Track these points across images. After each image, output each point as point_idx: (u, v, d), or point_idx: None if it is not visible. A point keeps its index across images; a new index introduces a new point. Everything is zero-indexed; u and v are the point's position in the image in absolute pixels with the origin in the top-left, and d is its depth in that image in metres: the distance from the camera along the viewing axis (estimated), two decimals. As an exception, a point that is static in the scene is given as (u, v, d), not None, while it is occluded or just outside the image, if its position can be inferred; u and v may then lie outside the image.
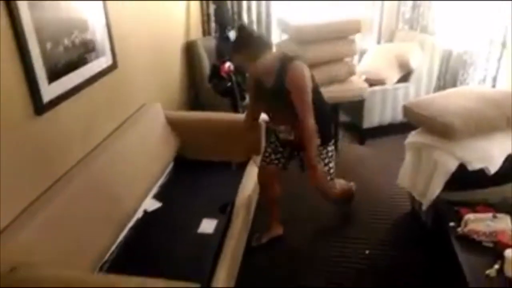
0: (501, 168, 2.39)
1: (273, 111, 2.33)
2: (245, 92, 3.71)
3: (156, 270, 1.76)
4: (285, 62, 2.12)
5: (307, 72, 2.13)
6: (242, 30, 2.22)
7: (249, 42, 2.09)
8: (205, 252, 2.06)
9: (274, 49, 2.19)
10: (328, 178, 2.35)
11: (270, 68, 2.13)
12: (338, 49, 3.63)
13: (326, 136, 2.32)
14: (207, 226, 2.27)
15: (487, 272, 1.87)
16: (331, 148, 2.36)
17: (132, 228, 2.26)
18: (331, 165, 2.36)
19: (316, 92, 2.20)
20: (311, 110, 2.12)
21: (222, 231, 2.20)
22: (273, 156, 2.46)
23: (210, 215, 2.32)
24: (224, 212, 2.32)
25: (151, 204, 2.48)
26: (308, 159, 2.21)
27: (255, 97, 2.39)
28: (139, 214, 2.36)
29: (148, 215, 2.39)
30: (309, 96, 2.12)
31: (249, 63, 2.11)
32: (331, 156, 2.36)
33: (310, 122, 2.12)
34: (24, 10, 1.69)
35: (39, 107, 1.82)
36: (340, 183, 2.63)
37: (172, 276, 1.58)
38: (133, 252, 2.11)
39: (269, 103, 2.30)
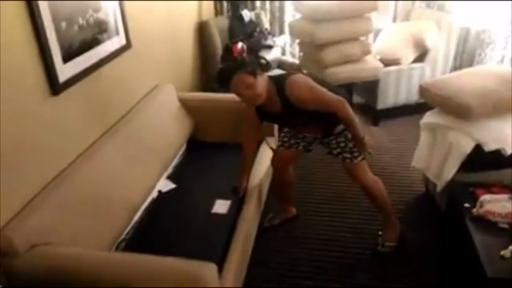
0: (518, 149, 2.36)
1: (293, 128, 2.34)
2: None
3: (170, 250, 1.79)
4: (280, 85, 2.02)
5: (301, 78, 2.06)
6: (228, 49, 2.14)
7: (241, 62, 2.05)
8: (218, 233, 2.09)
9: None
10: (360, 158, 2.23)
11: (271, 99, 2.03)
12: (353, 28, 3.57)
13: None
14: (221, 206, 2.29)
15: (502, 253, 1.86)
16: None
17: (147, 208, 2.29)
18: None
19: (324, 81, 2.16)
20: (334, 102, 2.04)
21: (236, 212, 2.21)
22: (293, 141, 2.39)
23: (223, 196, 2.34)
24: (236, 194, 2.33)
25: (165, 184, 2.50)
26: (355, 137, 2.14)
27: (258, 127, 2.30)
28: (153, 194, 2.38)
29: (162, 196, 2.42)
30: (324, 94, 2.04)
31: (251, 82, 1.94)
32: None
33: (344, 112, 2.05)
34: (38, -12, 1.69)
35: (55, 87, 1.83)
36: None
37: (185, 255, 1.60)
38: (148, 232, 2.15)
39: (288, 124, 2.31)
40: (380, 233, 2.49)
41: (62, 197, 1.75)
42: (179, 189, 2.48)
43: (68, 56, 1.91)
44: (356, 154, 2.23)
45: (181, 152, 2.82)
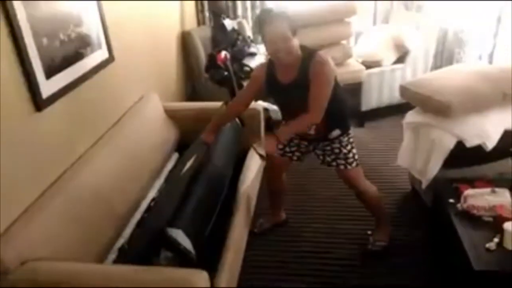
0: (498, 143, 2.41)
1: (291, 108, 2.18)
2: (242, 80, 3.72)
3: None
4: (310, 54, 2.01)
5: (332, 63, 2.02)
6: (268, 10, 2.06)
7: (285, 15, 1.96)
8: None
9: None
10: (354, 164, 2.26)
11: (295, 60, 2.00)
12: (333, 32, 3.64)
13: (347, 125, 2.25)
14: None
15: (487, 245, 1.90)
16: (351, 134, 2.27)
17: (142, 217, 2.28)
18: (354, 151, 2.27)
19: (336, 81, 2.11)
20: (324, 107, 2.02)
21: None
22: (287, 149, 2.37)
23: None
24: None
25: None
26: (283, 131, 2.11)
27: (256, 90, 2.25)
28: (145, 204, 2.38)
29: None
30: (329, 92, 2.02)
31: (288, 36, 1.92)
32: (352, 141, 2.27)
33: (313, 118, 2.04)
34: (18, 6, 1.70)
35: (39, 103, 1.83)
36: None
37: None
38: None
39: (287, 101, 2.18)
40: (369, 232, 2.53)
41: (51, 211, 1.74)
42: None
43: (50, 72, 1.91)
44: (350, 160, 2.25)
45: (173, 160, 2.83)
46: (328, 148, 2.26)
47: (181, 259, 1.70)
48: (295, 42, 1.96)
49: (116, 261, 1.97)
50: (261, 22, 1.97)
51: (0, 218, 1.60)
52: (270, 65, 2.13)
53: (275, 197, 2.67)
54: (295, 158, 2.40)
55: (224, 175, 2.36)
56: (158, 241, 1.72)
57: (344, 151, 2.23)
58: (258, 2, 4.31)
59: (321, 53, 2.02)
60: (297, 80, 2.03)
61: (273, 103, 3.20)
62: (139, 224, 2.22)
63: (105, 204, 2.04)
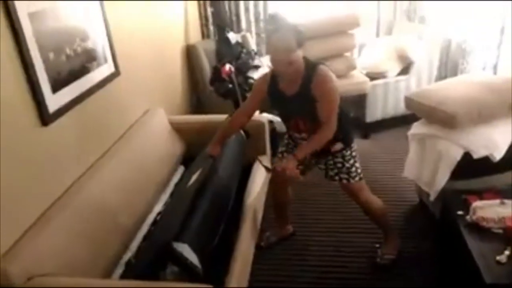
0: (506, 154, 2.39)
1: (294, 119, 2.17)
2: (247, 92, 3.73)
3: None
4: (312, 67, 2.00)
5: (334, 77, 2.02)
6: (278, 19, 1.97)
7: (294, 28, 1.92)
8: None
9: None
10: (357, 178, 2.25)
11: (297, 72, 1.99)
12: (337, 44, 3.65)
13: (350, 138, 2.24)
14: None
15: (498, 258, 1.87)
16: (354, 148, 2.26)
17: (149, 231, 2.28)
18: (357, 165, 2.25)
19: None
20: (335, 119, 2.05)
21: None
22: None
23: None
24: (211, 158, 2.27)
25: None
26: (299, 150, 2.10)
27: (259, 101, 2.24)
28: (151, 218, 2.37)
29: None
30: (337, 103, 2.04)
31: (292, 48, 1.90)
32: (356, 155, 2.26)
33: (328, 132, 2.05)
34: (25, 21, 1.71)
35: (45, 117, 1.84)
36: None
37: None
38: None
39: (290, 112, 2.17)
40: (377, 245, 2.50)
41: (57, 225, 1.74)
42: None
43: (57, 86, 1.92)
44: (353, 174, 2.23)
45: (179, 173, 2.82)
46: (331, 162, 2.24)
47: (188, 273, 1.68)
48: (299, 54, 1.94)
49: (123, 275, 1.95)
50: (267, 29, 1.97)
51: (6, 233, 1.59)
52: (273, 76, 2.13)
53: (280, 210, 2.65)
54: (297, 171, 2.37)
55: (230, 188, 2.35)
56: (164, 256, 1.70)
57: (347, 165, 2.22)
58: (262, 16, 4.34)
59: (323, 68, 2.01)
60: (300, 92, 2.03)
61: (277, 115, 3.20)
62: (146, 237, 2.21)
63: (111, 218, 2.04)
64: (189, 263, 1.68)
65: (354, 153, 2.25)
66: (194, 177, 2.18)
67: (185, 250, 1.70)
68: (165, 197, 2.55)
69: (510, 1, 3.55)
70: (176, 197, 2.37)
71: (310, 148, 2.11)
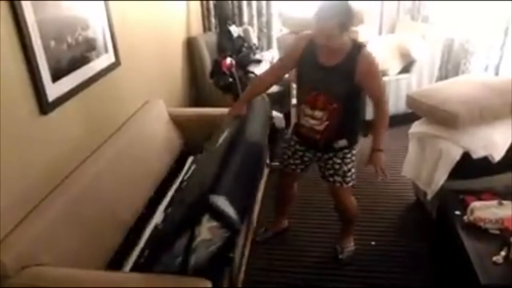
0: (505, 155, 2.39)
1: (315, 92, 2.09)
2: (246, 87, 3.72)
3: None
4: (358, 46, 2.02)
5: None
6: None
7: (345, 10, 1.94)
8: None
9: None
10: (350, 184, 2.25)
11: (341, 47, 2.00)
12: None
13: (355, 138, 2.22)
14: None
15: (494, 258, 1.87)
16: (356, 151, 2.22)
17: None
18: (353, 169, 2.24)
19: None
20: (384, 92, 2.11)
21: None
22: (291, 161, 2.35)
23: None
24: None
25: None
26: (376, 142, 2.13)
27: (291, 64, 2.20)
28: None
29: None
30: (382, 80, 2.11)
31: (332, 34, 1.92)
32: (355, 160, 2.23)
33: (386, 104, 2.10)
34: (27, 7, 1.70)
35: (44, 106, 1.83)
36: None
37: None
38: None
39: (318, 82, 2.08)
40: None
41: (53, 215, 1.73)
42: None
43: (57, 75, 1.91)
44: (348, 179, 2.22)
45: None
46: (330, 161, 2.21)
47: (225, 226, 1.60)
48: (340, 38, 1.96)
49: (150, 238, 1.92)
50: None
51: (4, 220, 1.58)
52: (311, 43, 2.07)
53: (282, 205, 2.65)
54: (298, 170, 2.37)
55: (261, 145, 2.33)
56: (200, 208, 1.59)
57: (345, 168, 2.20)
58: (264, 10, 4.32)
59: (367, 50, 2.04)
60: (339, 66, 2.01)
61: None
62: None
63: (108, 208, 2.03)
64: (226, 215, 1.60)
65: (354, 157, 2.22)
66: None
67: (222, 202, 1.61)
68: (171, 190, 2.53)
69: (514, 2, 3.54)
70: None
71: (383, 130, 2.14)
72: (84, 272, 1.66)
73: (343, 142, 2.16)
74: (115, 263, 1.95)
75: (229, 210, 1.61)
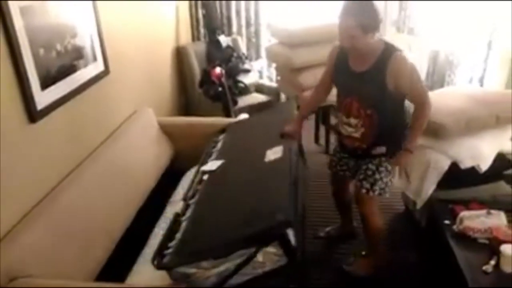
0: (491, 166, 2.43)
1: (349, 99, 2.06)
2: (236, 96, 3.73)
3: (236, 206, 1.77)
4: (390, 49, 1.94)
5: (411, 63, 1.96)
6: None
7: (369, 9, 1.86)
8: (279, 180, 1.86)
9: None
10: (377, 193, 2.14)
11: (371, 51, 1.94)
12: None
13: (394, 147, 2.11)
14: (273, 154, 2.06)
15: (484, 268, 1.89)
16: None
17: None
18: (385, 180, 2.14)
19: (402, 96, 2.04)
20: (426, 96, 2.00)
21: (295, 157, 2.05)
22: (338, 167, 2.36)
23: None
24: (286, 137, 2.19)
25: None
26: (409, 142, 2.07)
27: (328, 79, 2.20)
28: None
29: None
30: (421, 83, 2.01)
31: (355, 34, 1.87)
32: (390, 171, 2.14)
33: (428, 109, 2.00)
34: (16, 15, 1.68)
35: (33, 114, 1.80)
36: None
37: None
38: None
39: (350, 88, 2.06)
40: (363, 253, 2.49)
41: (42, 226, 1.69)
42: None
43: (46, 83, 1.88)
44: (376, 187, 2.14)
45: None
46: (364, 167, 2.15)
47: (286, 255, 1.58)
48: (364, 39, 1.88)
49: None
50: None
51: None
52: (342, 50, 2.06)
53: (342, 209, 2.62)
54: (348, 173, 2.34)
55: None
56: (273, 237, 1.56)
57: (377, 176, 2.11)
58: (253, 20, 4.34)
59: (400, 54, 1.94)
60: (369, 71, 1.96)
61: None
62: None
63: (97, 219, 2.00)
64: (291, 246, 1.58)
65: (389, 168, 2.14)
66: (274, 156, 2.05)
67: (291, 233, 1.60)
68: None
69: (499, 15, 3.62)
70: (261, 170, 2.07)
71: (419, 132, 2.07)
72: (73, 283, 1.63)
73: (381, 149, 2.10)
74: (105, 274, 1.90)
75: (292, 240, 1.60)
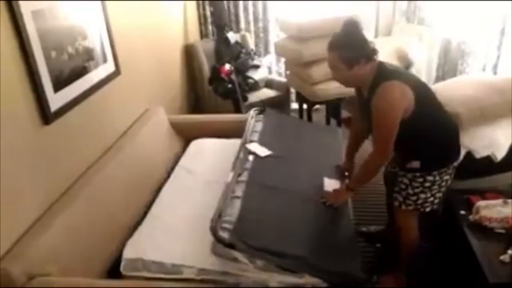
0: (507, 154, 2.40)
1: (366, 124, 2.00)
2: (246, 92, 3.73)
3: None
4: (379, 78, 1.82)
5: (400, 96, 1.78)
6: (349, 26, 1.86)
7: (349, 43, 1.82)
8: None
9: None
10: (411, 207, 2.03)
11: (364, 81, 1.87)
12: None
13: (432, 165, 1.95)
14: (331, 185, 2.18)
15: (501, 258, 1.88)
16: (430, 179, 1.95)
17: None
18: (422, 196, 1.99)
19: (418, 112, 1.82)
20: (387, 144, 1.84)
21: None
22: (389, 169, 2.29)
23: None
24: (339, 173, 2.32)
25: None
26: (352, 179, 2.10)
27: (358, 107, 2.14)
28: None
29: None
30: (391, 128, 1.80)
31: (340, 68, 1.84)
32: (428, 187, 1.97)
33: (377, 157, 1.90)
34: (28, 19, 1.70)
35: (47, 116, 1.82)
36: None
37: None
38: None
39: (361, 115, 2.04)
40: (378, 245, 2.47)
41: (59, 225, 1.72)
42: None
43: (59, 85, 1.91)
44: (409, 202, 2.03)
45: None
46: (399, 179, 2.05)
47: None
48: (351, 71, 1.83)
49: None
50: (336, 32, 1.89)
51: (7, 233, 1.57)
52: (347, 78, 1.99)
53: (390, 210, 2.45)
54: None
55: None
56: (307, 270, 1.67)
57: (410, 191, 2.00)
58: (261, 16, 4.33)
59: (388, 84, 1.78)
60: (368, 99, 1.88)
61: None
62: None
63: (112, 216, 2.03)
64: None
65: (427, 184, 1.97)
66: (330, 186, 2.17)
67: None
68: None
69: (511, 2, 3.56)
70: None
71: (360, 177, 2.02)
72: (90, 281, 1.66)
73: (415, 164, 1.95)
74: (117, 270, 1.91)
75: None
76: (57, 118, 1.90)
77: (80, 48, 2.10)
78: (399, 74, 1.86)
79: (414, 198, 2.00)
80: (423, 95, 1.85)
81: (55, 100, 1.88)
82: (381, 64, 1.87)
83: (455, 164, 1.99)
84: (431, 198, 2.00)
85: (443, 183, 1.98)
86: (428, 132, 1.89)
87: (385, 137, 1.84)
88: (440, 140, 1.94)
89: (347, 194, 2.05)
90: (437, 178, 1.94)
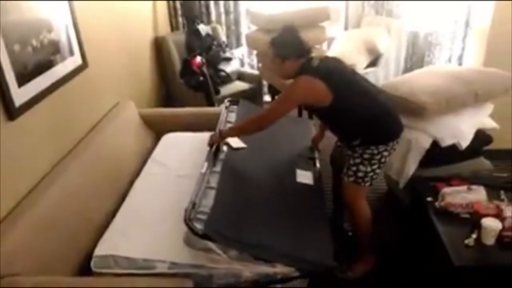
0: (471, 142, 2.48)
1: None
2: (218, 85, 3.71)
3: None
4: (301, 71, 2.08)
5: (305, 88, 2.04)
6: (286, 30, 2.21)
7: (283, 41, 2.14)
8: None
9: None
10: (352, 179, 2.16)
11: (294, 71, 2.12)
12: (307, 37, 3.60)
13: (371, 140, 2.12)
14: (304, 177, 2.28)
15: (466, 241, 1.95)
16: (370, 152, 2.11)
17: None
18: (363, 168, 2.13)
19: (351, 93, 2.09)
20: (271, 118, 2.11)
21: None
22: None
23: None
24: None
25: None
26: (228, 128, 2.37)
27: None
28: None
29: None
30: (281, 110, 2.10)
31: (275, 60, 2.14)
32: (368, 159, 2.11)
33: (257, 121, 2.16)
34: (-12, 11, 1.64)
35: (11, 112, 1.77)
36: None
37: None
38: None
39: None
40: (350, 233, 2.53)
41: (27, 223, 1.68)
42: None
43: (23, 80, 1.85)
44: (350, 173, 2.16)
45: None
46: (350, 153, 2.20)
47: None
48: (282, 65, 2.13)
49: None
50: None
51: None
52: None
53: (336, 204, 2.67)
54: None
55: None
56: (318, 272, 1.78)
57: (351, 161, 2.16)
58: (232, 8, 4.31)
59: (301, 77, 2.06)
60: None
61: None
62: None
63: (82, 212, 2.00)
64: None
65: (366, 156, 2.12)
66: (303, 177, 2.28)
67: None
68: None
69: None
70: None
71: (241, 127, 2.30)
72: (60, 279, 1.64)
73: (356, 142, 2.13)
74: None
75: None
76: (22, 114, 1.84)
77: (45, 41, 2.04)
78: (318, 70, 2.07)
79: (354, 168, 2.16)
80: (342, 87, 2.08)
81: (20, 94, 1.82)
82: (308, 61, 2.12)
83: (393, 143, 2.16)
84: (371, 173, 2.16)
85: (383, 159, 2.14)
86: (353, 116, 2.11)
87: (275, 112, 2.13)
88: (369, 122, 2.11)
89: (220, 139, 2.29)
90: (375, 151, 2.11)
